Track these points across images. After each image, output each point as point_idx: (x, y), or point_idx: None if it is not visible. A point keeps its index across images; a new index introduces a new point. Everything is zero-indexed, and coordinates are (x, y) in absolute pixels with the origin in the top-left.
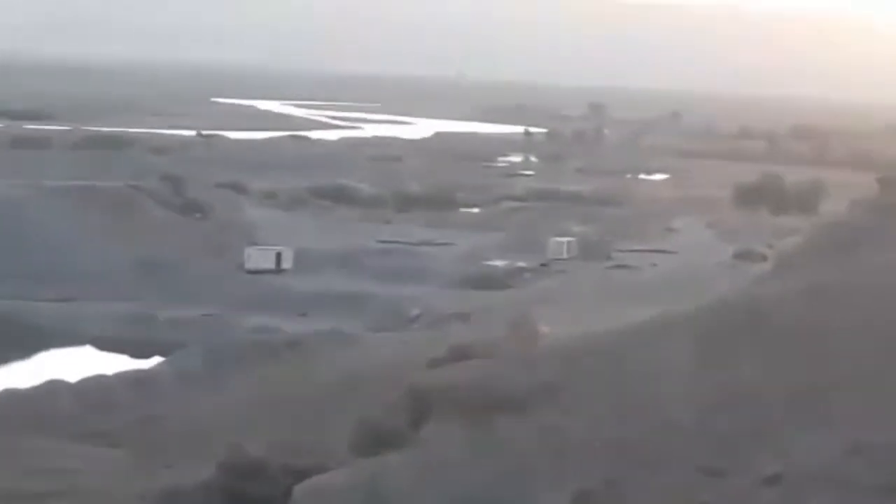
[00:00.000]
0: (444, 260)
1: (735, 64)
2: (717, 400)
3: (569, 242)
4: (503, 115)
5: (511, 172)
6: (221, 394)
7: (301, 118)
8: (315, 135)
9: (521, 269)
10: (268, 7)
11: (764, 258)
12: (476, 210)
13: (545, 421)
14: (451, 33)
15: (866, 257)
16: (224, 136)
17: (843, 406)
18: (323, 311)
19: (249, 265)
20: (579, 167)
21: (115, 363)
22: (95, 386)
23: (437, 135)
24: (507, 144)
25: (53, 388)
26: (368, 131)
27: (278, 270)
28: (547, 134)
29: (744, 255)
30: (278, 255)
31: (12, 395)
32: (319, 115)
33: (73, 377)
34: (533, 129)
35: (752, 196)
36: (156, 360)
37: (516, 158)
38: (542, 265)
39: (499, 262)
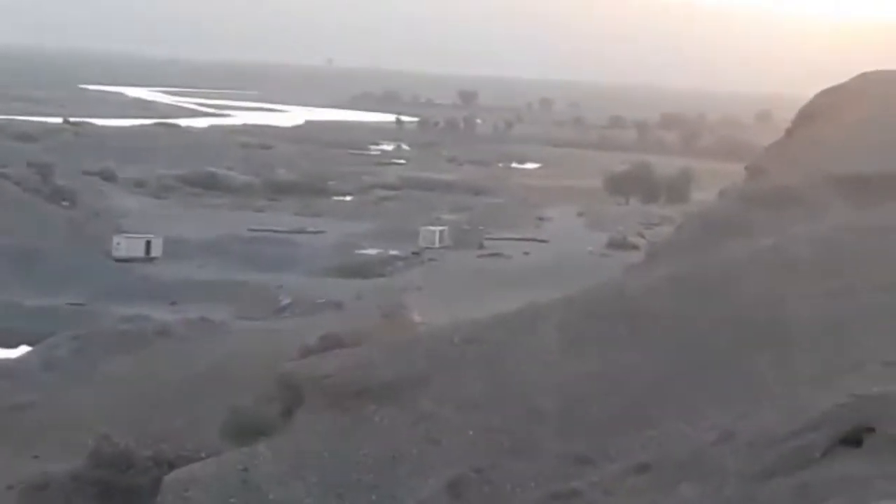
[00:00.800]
0: (315, 248)
1: (604, 54)
2: (588, 388)
3: (441, 231)
4: (373, 103)
5: (383, 161)
6: (90, 383)
7: (170, 105)
8: (185, 122)
9: (393, 258)
10: None
11: (635, 247)
12: (348, 198)
13: (417, 409)
14: (319, 21)
15: (736, 245)
16: (92, 123)
17: (711, 394)
18: (193, 300)
19: (118, 253)
20: (451, 156)
21: None
22: None
23: (308, 122)
24: (379, 132)
25: None
26: (238, 119)
27: (147, 259)
28: (418, 122)
29: (615, 244)
30: (147, 244)
31: None
32: (189, 103)
33: None
34: (404, 118)
35: (622, 185)
36: (22, 350)
37: (388, 147)
38: (414, 254)
39: (371, 251)
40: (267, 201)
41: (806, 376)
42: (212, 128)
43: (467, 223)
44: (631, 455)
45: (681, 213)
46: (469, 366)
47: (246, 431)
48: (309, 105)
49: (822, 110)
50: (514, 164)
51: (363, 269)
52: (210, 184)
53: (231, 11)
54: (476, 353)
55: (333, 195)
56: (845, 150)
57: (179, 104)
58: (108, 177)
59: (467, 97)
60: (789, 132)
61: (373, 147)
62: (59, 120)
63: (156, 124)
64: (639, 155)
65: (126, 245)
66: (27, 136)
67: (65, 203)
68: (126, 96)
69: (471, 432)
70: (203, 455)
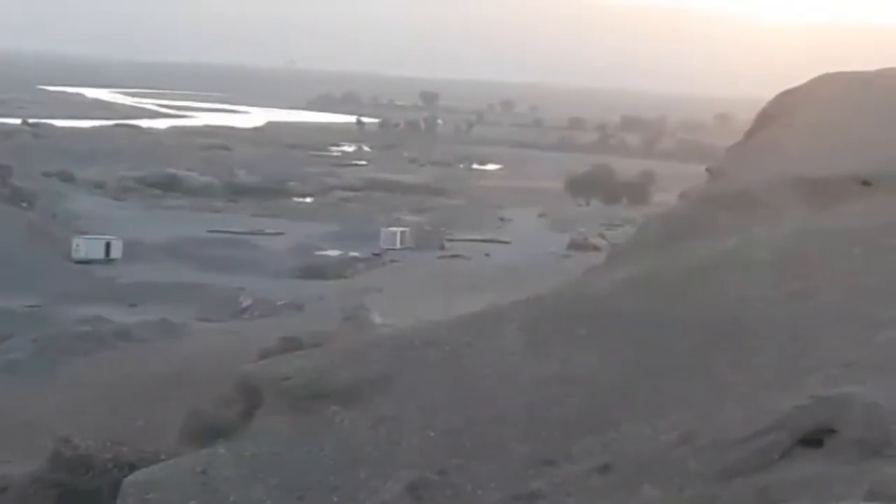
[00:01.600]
0: (275, 250)
1: (565, 57)
2: (550, 390)
3: (402, 232)
4: (334, 104)
5: (344, 162)
6: (48, 386)
7: (129, 106)
8: (145, 123)
9: (354, 259)
10: None
11: (596, 248)
12: (308, 200)
13: (378, 411)
14: (281, 24)
15: (697, 247)
16: (51, 125)
17: (673, 395)
18: (153, 302)
19: (77, 255)
20: (412, 157)
21: None
22: None
23: (269, 124)
24: (340, 134)
25: None
26: (199, 120)
27: (107, 260)
28: (379, 124)
29: (576, 246)
30: (107, 245)
31: None
32: (149, 104)
33: None
34: (365, 119)
35: (584, 187)
36: None
37: (349, 148)
38: (375, 255)
39: (332, 252)
40: (227, 203)
41: (767, 378)
42: (172, 129)
43: (428, 224)
44: (593, 456)
45: (642, 214)
46: (430, 368)
47: (206, 434)
48: (270, 107)
49: (781, 112)
50: (475, 166)
51: (324, 271)
52: (170, 185)
53: (192, 13)
54: (437, 355)
55: (294, 196)
56: (804, 152)
57: (139, 105)
58: (67, 178)
59: (428, 99)
60: (749, 134)
61: (334, 148)
62: (17, 121)
63: (115, 125)
64: (599, 157)
65: (86, 247)
66: None
67: (23, 204)
68: (86, 97)
69: (432, 434)
70: (163, 457)
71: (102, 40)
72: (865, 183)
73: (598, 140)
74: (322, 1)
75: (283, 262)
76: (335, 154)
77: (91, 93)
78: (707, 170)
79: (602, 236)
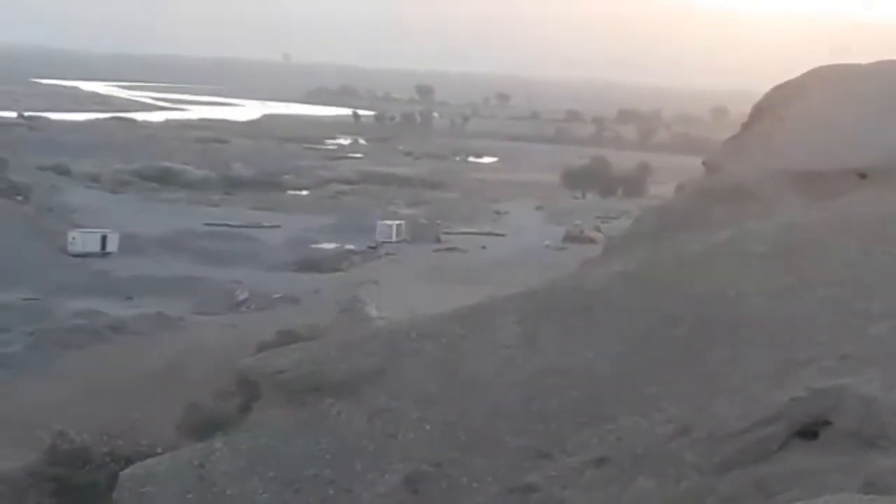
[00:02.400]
0: (271, 243)
1: (561, 49)
2: (545, 382)
3: (398, 225)
4: (330, 97)
5: (339, 155)
6: (45, 379)
7: (125, 99)
8: (140, 116)
9: (350, 252)
10: None
11: (592, 241)
12: (304, 193)
13: (374, 404)
14: (276, 17)
15: (693, 240)
16: (46, 118)
17: (669, 388)
18: (149, 295)
19: (73, 248)
20: (408, 150)
21: None
22: None
23: (265, 117)
24: (335, 127)
25: None
26: (194, 113)
27: (103, 254)
28: (375, 117)
29: (572, 238)
30: (103, 239)
31: None
32: (144, 97)
33: None
34: (361, 112)
35: (580, 179)
36: None
37: (345, 141)
38: (371, 248)
39: (327, 245)
40: (223, 196)
41: (762, 370)
42: (167, 122)
43: (424, 217)
44: (588, 449)
45: (638, 207)
46: (426, 360)
47: (202, 427)
48: (265, 100)
49: (776, 105)
50: (470, 159)
51: (320, 264)
52: (166, 178)
53: (188, 6)
54: (433, 348)
55: (290, 190)
56: (798, 145)
57: (135, 98)
58: (62, 171)
59: (424, 92)
60: (744, 127)
61: (329, 141)
62: (12, 114)
63: (111, 118)
64: (596, 149)
65: (81, 240)
66: None
67: (19, 198)
68: (81, 90)
69: (428, 427)
70: (160, 451)
71: (98, 34)
72: (862, 175)
73: (594, 133)
74: None
75: (279, 255)
76: (331, 147)
77: (86, 86)
78: (703, 163)
79: (598, 229)
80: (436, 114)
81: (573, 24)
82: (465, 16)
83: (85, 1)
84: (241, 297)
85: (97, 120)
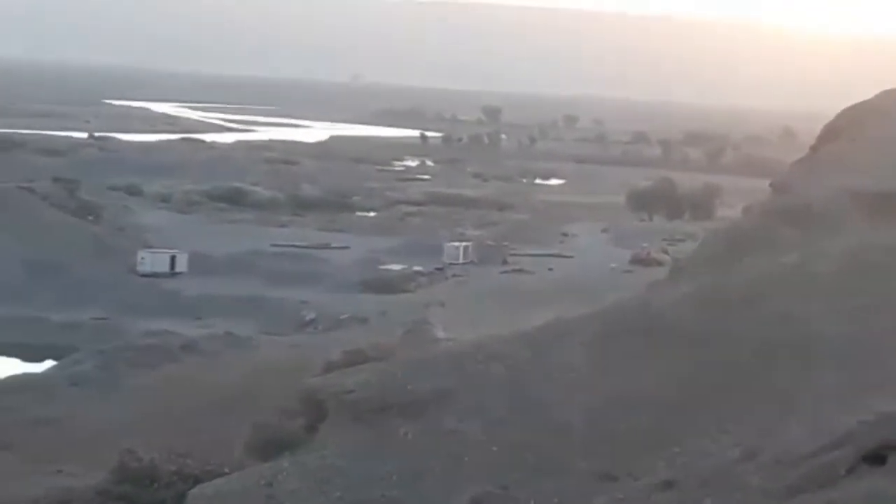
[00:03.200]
0: (339, 263)
1: (628, 71)
2: (612, 405)
3: (465, 247)
4: (398, 118)
5: (407, 176)
6: (114, 398)
7: (195, 120)
8: (210, 137)
9: (417, 273)
10: (157, 10)
11: (658, 263)
12: (372, 214)
13: (441, 425)
14: (345, 38)
15: (760, 262)
16: (117, 139)
17: (735, 411)
18: (217, 315)
19: (143, 268)
20: (476, 171)
21: (5, 367)
22: None
23: (333, 138)
24: (403, 148)
25: None
26: (263, 134)
27: (172, 274)
28: (443, 138)
29: (639, 260)
30: (172, 259)
31: None
32: (214, 118)
33: None
34: (429, 133)
35: (646, 201)
36: (47, 364)
37: (412, 162)
38: (438, 269)
39: (395, 266)
40: (291, 217)
41: (830, 393)
42: (237, 143)
43: (492, 239)
44: (655, 472)
45: (704, 229)
46: (493, 382)
47: (270, 446)
48: (334, 121)
49: (846, 127)
50: (538, 180)
51: (387, 285)
52: (235, 199)
53: (259, 27)
54: (500, 370)
55: (358, 211)
56: (868, 167)
57: (205, 119)
58: (133, 192)
59: (491, 113)
60: (813, 149)
61: (397, 163)
62: (84, 135)
63: (181, 139)
64: (662, 171)
65: (151, 260)
66: (53, 150)
67: (90, 218)
68: (151, 111)
69: (495, 449)
70: (227, 470)
71: (169, 54)
72: None
73: (661, 154)
74: (387, 15)
75: (346, 275)
76: (399, 168)
77: (157, 107)
78: (770, 184)
79: (664, 251)
80: (503, 135)
81: (638, 46)
82: (531, 38)
83: (155, 22)
84: (308, 318)
85: (167, 141)
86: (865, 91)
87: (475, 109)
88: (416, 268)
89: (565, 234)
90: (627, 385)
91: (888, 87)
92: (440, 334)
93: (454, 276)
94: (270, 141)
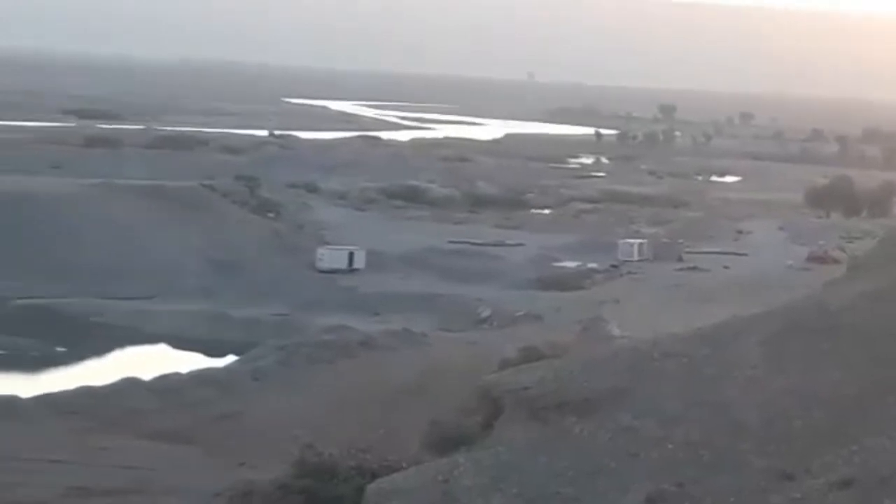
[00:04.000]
0: (514, 261)
1: (806, 68)
2: (789, 403)
3: (640, 244)
4: (573, 116)
5: (582, 174)
6: (294, 393)
7: (372, 118)
8: (386, 135)
9: (592, 271)
10: (339, 9)
11: (836, 261)
12: (547, 211)
13: (617, 422)
14: (521, 37)
15: None
16: (296, 136)
17: None
18: (395, 311)
19: (322, 265)
20: (650, 169)
21: (189, 361)
22: (170, 384)
23: (508, 136)
24: (578, 146)
25: (129, 386)
26: (439, 132)
27: (350, 270)
28: (618, 136)
29: (816, 258)
30: (350, 255)
31: (88, 393)
32: (390, 116)
33: (147, 375)
34: (604, 131)
35: (823, 199)
36: (230, 359)
37: (587, 160)
38: (613, 266)
39: (569, 263)
40: (467, 214)
41: None
42: (413, 141)
43: (666, 236)
44: (833, 470)
45: (883, 227)
46: (669, 380)
47: (446, 442)
48: (509, 119)
49: None
50: (713, 178)
51: (562, 282)
52: (411, 196)
53: (439, 28)
54: (676, 367)
55: (532, 208)
56: None
57: (382, 117)
58: (311, 189)
59: (666, 111)
60: None
61: (572, 160)
62: (264, 133)
63: (358, 137)
64: (840, 169)
65: (329, 257)
66: (234, 149)
67: (270, 215)
68: (329, 109)
69: (671, 446)
70: (404, 465)
71: (345, 51)
72: None
73: (838, 152)
74: (562, 15)
75: (521, 273)
76: (573, 166)
77: (335, 105)
78: None
79: (842, 249)
80: (678, 133)
81: (816, 42)
82: (708, 35)
83: (334, 19)
84: (483, 315)
85: (345, 138)
86: None
87: (650, 107)
88: (591, 265)
89: (740, 232)
90: (804, 383)
91: None
92: (615, 331)
93: (629, 273)
94: (446, 138)
